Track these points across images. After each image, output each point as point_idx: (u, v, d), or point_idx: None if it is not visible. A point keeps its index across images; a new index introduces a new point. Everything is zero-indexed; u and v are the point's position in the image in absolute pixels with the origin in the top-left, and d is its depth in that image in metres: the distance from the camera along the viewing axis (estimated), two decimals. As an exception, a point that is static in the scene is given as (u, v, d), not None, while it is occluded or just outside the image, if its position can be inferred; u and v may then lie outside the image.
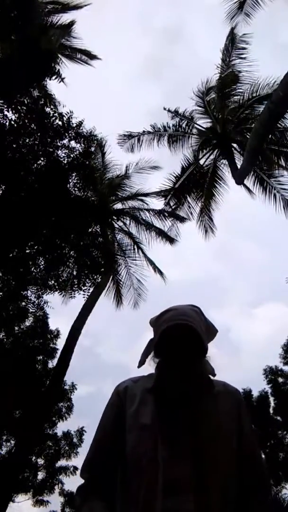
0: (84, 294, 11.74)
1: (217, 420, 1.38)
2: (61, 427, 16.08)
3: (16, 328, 14.13)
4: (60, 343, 14.81)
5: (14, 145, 9.06)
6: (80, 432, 16.09)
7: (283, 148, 13.72)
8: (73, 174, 9.87)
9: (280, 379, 17.50)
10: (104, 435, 1.45)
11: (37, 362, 15.11)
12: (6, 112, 8.93)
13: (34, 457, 15.18)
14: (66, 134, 9.40)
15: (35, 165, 9.41)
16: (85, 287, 11.28)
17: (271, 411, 17.59)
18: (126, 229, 15.92)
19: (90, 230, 10.92)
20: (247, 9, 10.89)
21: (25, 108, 9.01)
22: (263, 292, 64.37)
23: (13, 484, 11.55)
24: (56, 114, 9.21)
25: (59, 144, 9.42)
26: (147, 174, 15.71)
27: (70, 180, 9.89)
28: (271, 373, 17.62)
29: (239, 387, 1.59)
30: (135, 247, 15.71)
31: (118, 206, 16.11)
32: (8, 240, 9.14)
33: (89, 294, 12.10)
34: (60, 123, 9.22)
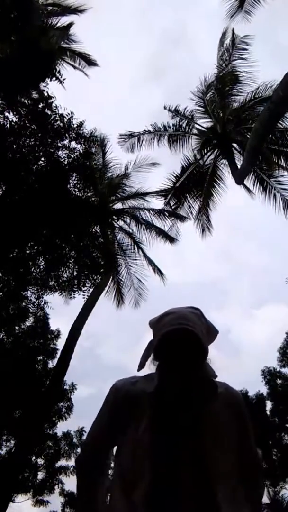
0: (84, 295, 11.74)
1: (219, 423, 1.38)
2: (61, 427, 16.14)
3: (17, 328, 14.15)
4: (60, 343, 14.87)
5: (15, 146, 9.06)
6: (80, 432, 16.11)
7: (283, 148, 13.73)
8: (74, 175, 9.88)
9: (279, 381, 17.52)
10: (100, 429, 1.54)
11: (37, 362, 15.13)
12: (6, 113, 8.96)
13: (34, 457, 15.19)
14: (67, 135, 9.40)
15: (36, 165, 9.41)
16: (85, 288, 11.27)
17: (268, 413, 17.62)
18: (126, 228, 15.96)
19: (90, 230, 10.91)
20: (247, 7, 10.94)
21: (25, 109, 9.02)
22: (264, 293, 64.43)
23: (13, 484, 11.56)
24: (57, 116, 9.21)
25: (59, 144, 9.43)
26: (146, 172, 15.74)
27: (70, 181, 9.89)
28: (269, 375, 17.64)
29: (238, 388, 1.60)
30: (135, 247, 15.74)
31: (118, 205, 16.15)
32: (8, 240, 9.14)
33: (89, 294, 12.11)
34: (60, 124, 9.23)
